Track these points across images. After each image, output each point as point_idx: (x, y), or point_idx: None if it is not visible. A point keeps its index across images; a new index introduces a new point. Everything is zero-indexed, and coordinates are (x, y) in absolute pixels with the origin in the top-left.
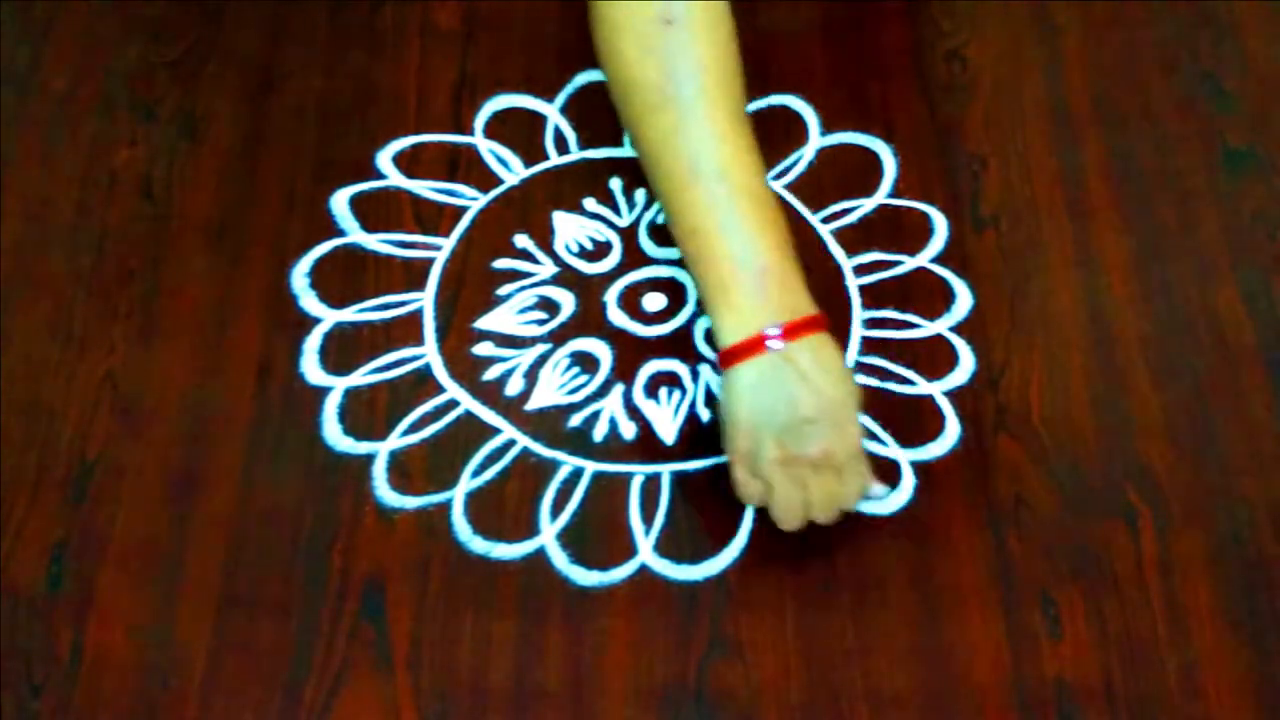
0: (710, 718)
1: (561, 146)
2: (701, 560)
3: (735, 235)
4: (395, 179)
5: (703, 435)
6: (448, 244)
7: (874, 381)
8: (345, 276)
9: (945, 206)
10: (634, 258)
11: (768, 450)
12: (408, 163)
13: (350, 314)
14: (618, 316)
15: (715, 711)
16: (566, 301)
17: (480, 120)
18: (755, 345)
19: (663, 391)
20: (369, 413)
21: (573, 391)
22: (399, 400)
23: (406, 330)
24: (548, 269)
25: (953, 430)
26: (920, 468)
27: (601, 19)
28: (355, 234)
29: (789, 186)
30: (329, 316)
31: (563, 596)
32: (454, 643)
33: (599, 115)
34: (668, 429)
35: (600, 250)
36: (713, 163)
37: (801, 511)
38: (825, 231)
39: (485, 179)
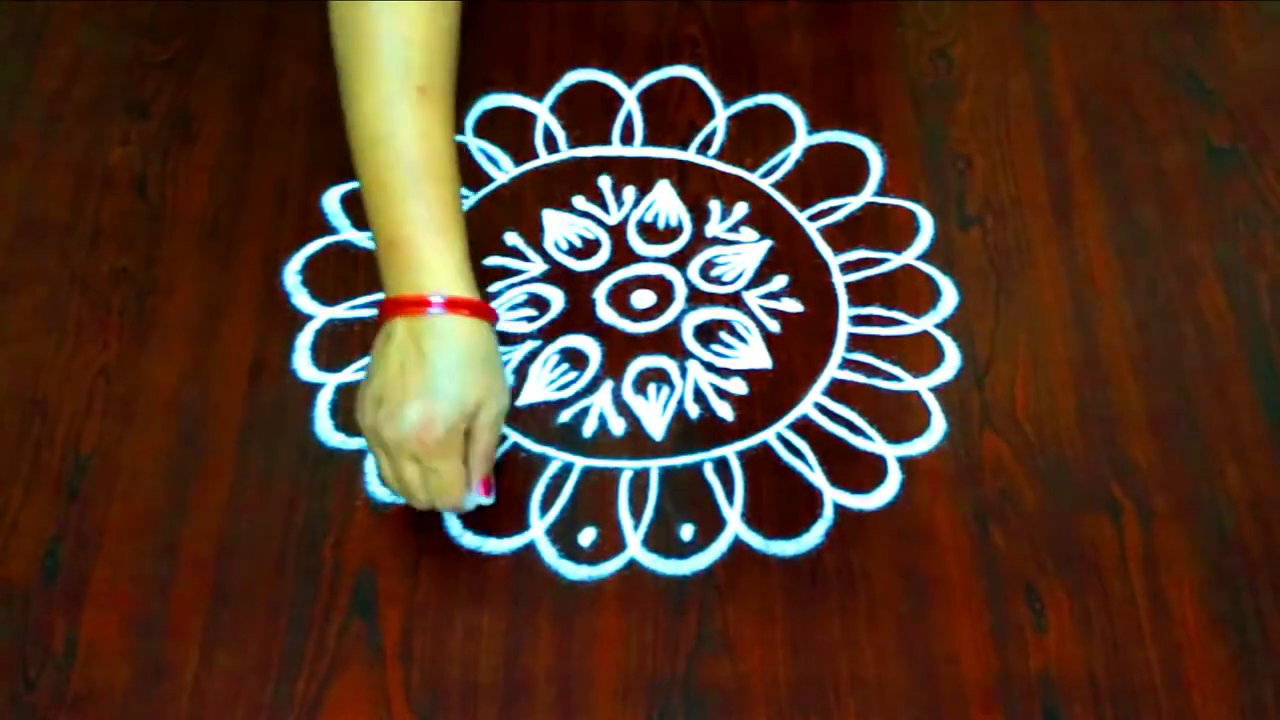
0: (698, 711)
1: (551, 145)
2: (690, 555)
3: (378, 203)
4: None
5: (691, 431)
6: None
7: (860, 378)
8: (337, 274)
9: (931, 204)
10: (623, 255)
11: (358, 409)
12: None
13: (342, 311)
14: (607, 313)
15: (703, 705)
16: (556, 298)
17: (470, 119)
18: (406, 306)
19: (651, 388)
20: None
21: (562, 388)
22: None
23: None
24: (537, 266)
25: (938, 426)
26: (906, 463)
27: None
28: (347, 232)
29: (776, 185)
30: (321, 313)
31: (552, 591)
32: (444, 636)
33: (588, 114)
34: (656, 425)
35: (589, 248)
36: (371, 131)
37: (392, 482)
38: (812, 229)
39: (475, 177)
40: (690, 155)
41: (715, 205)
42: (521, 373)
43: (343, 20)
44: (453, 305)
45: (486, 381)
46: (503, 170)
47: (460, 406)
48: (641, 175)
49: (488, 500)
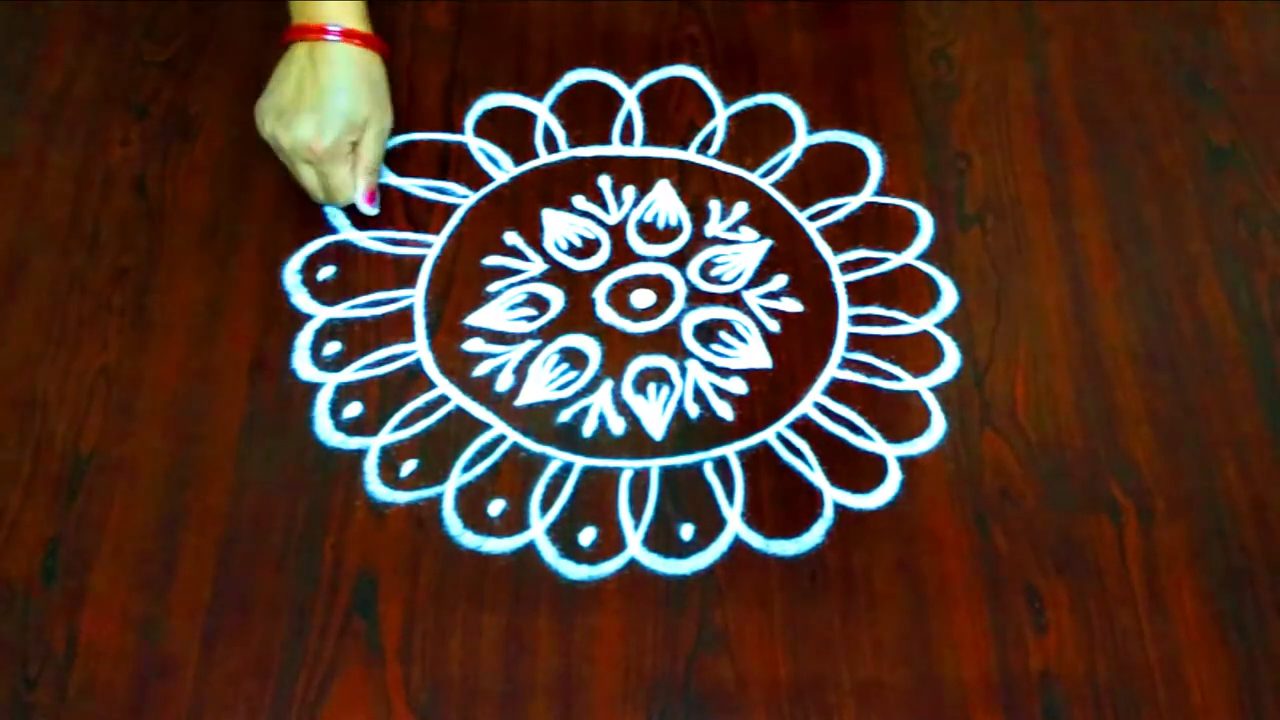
0: (698, 711)
1: (551, 145)
2: (690, 554)
3: None
4: (386, 177)
5: (691, 431)
6: (438, 241)
7: (860, 377)
8: (337, 273)
9: (931, 204)
10: (622, 255)
11: (258, 120)
12: (399, 161)
13: (342, 310)
14: (606, 313)
15: (703, 704)
16: (556, 298)
17: (470, 119)
18: (308, 32)
19: (651, 387)
20: (360, 408)
21: (562, 387)
22: (390, 396)
23: (397, 327)
24: (537, 266)
25: (938, 426)
26: (906, 463)
27: None
28: (346, 231)
29: (776, 184)
30: (320, 313)
31: (552, 590)
32: (445, 636)
33: (588, 114)
34: (656, 424)
35: (589, 247)
36: None
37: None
38: (812, 229)
39: (475, 177)
40: (690, 155)
41: (715, 205)
42: (521, 372)
43: None
44: (348, 35)
45: (372, 102)
46: (503, 170)
47: (347, 121)
48: (641, 175)
49: (372, 210)
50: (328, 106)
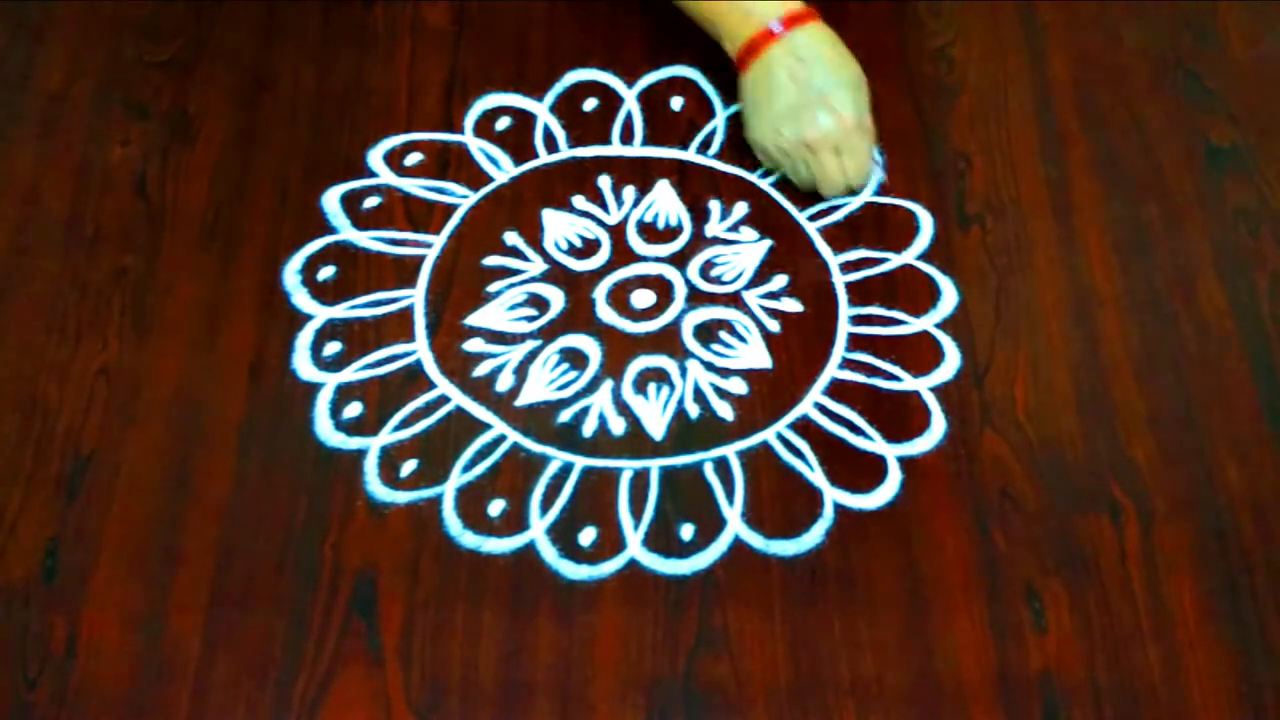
0: (698, 711)
1: (551, 145)
2: (690, 554)
3: None
4: (386, 177)
5: (691, 431)
6: (438, 241)
7: (860, 377)
8: (337, 273)
9: (931, 204)
10: (622, 255)
11: (768, 135)
12: (398, 161)
13: (342, 310)
14: (606, 313)
15: (703, 705)
16: (556, 298)
17: (470, 119)
18: (761, 41)
19: (651, 387)
20: (360, 408)
21: (562, 388)
22: (390, 396)
23: (397, 327)
24: (537, 266)
25: (938, 426)
26: (906, 463)
27: None
28: (346, 231)
29: (776, 184)
30: (320, 313)
31: (552, 590)
32: (444, 636)
33: (588, 114)
34: (656, 425)
35: (589, 247)
36: None
37: (814, 187)
38: (813, 229)
39: (475, 177)
40: (690, 155)
41: (715, 205)
42: (521, 372)
43: None
44: (798, 17)
45: (854, 63)
46: (503, 170)
47: (864, 89)
48: (641, 175)
49: (883, 175)
50: (847, 83)
